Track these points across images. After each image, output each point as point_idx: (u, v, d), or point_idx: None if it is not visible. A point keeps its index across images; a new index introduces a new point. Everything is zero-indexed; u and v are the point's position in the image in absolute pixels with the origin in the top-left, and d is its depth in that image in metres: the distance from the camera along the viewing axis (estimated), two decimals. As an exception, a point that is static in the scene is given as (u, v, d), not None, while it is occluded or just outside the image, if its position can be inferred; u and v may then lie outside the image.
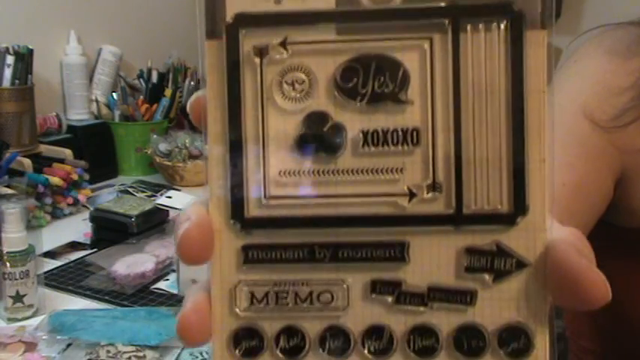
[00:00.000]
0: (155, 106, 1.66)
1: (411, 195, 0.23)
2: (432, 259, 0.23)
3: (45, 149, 1.43)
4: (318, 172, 0.23)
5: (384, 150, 0.23)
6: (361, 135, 0.23)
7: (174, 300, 0.95)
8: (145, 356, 0.79)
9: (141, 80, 1.71)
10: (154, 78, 1.69)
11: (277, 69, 0.23)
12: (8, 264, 0.87)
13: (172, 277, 1.02)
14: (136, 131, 1.63)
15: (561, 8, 1.96)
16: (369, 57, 0.23)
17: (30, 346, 0.82)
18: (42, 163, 1.35)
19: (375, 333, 0.24)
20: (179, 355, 0.80)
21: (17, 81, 1.38)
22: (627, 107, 0.60)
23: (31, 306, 0.89)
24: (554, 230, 0.23)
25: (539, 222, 0.23)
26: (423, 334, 0.24)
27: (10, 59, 1.38)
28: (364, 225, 0.24)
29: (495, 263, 0.23)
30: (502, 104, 0.23)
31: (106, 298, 0.96)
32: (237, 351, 0.24)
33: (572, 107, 0.61)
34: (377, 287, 0.24)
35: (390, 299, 0.24)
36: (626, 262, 0.65)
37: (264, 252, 0.24)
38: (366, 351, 0.24)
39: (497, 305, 0.23)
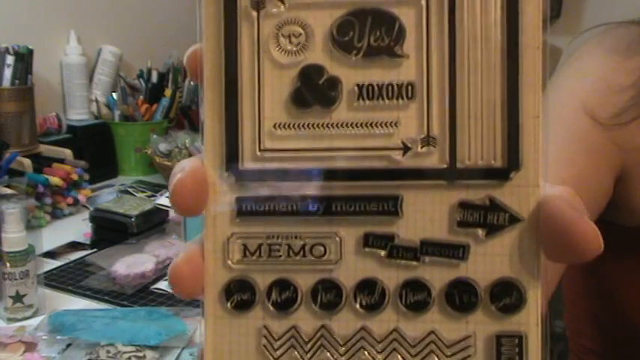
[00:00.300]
0: (155, 106, 1.66)
1: (406, 149, 0.23)
2: (425, 214, 0.23)
3: (45, 149, 1.43)
4: (312, 125, 0.23)
5: (379, 104, 0.23)
6: (356, 89, 0.23)
7: (174, 300, 0.95)
8: (144, 356, 0.78)
9: (141, 80, 1.71)
10: (154, 78, 1.69)
11: (274, 22, 0.23)
12: (8, 264, 0.87)
13: (172, 276, 1.02)
14: (136, 131, 1.63)
15: (561, 8, 1.96)
16: (365, 11, 0.23)
17: (30, 346, 0.81)
18: (42, 163, 1.35)
19: (367, 287, 0.24)
20: (179, 355, 0.80)
21: (17, 81, 1.39)
22: (628, 106, 0.60)
23: (31, 306, 0.89)
24: (546, 188, 0.23)
25: (532, 178, 0.23)
26: (415, 288, 0.23)
27: (10, 59, 1.38)
28: (358, 178, 0.23)
29: (488, 218, 0.23)
30: (497, 59, 0.23)
31: (106, 298, 0.95)
32: (228, 304, 0.24)
33: (573, 104, 0.61)
34: (370, 240, 0.23)
35: (382, 253, 0.23)
36: (626, 261, 0.65)
37: (257, 204, 0.24)
38: (357, 305, 0.24)
39: (489, 260, 0.23)
